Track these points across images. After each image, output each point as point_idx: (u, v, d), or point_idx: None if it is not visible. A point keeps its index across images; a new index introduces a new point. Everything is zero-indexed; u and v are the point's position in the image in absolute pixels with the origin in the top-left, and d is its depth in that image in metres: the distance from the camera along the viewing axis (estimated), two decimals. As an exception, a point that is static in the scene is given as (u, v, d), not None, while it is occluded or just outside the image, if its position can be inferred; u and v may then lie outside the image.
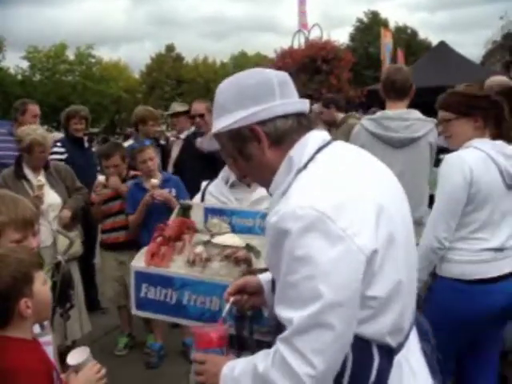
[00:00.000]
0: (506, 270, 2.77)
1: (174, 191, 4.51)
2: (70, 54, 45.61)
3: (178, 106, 6.44)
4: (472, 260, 2.76)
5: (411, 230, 1.62)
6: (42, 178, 4.43)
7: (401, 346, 1.54)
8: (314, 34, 20.73)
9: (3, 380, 1.82)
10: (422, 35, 50.58)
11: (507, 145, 2.83)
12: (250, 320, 2.09)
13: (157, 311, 2.62)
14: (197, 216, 3.02)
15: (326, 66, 18.75)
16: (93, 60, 46.79)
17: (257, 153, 1.59)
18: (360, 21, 50.79)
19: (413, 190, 3.07)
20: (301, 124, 1.59)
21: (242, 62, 56.79)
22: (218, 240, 2.75)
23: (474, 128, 2.85)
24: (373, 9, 54.59)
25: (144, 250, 2.75)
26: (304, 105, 1.63)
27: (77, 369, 1.97)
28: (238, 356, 1.81)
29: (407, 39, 44.66)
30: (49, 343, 2.42)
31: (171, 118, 6.54)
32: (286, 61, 19.04)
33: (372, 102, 11.05)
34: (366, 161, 1.61)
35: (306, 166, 1.52)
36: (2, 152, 5.22)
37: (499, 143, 2.81)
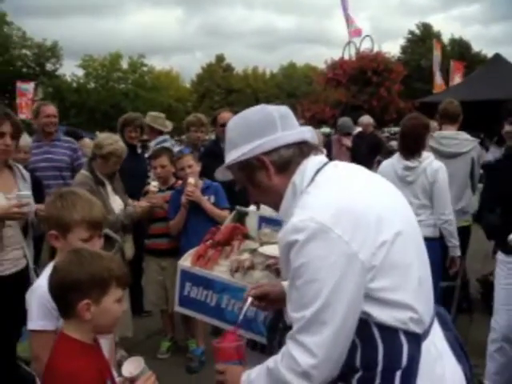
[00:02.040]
0: None
1: (212, 198, 4.53)
2: (124, 63, 46.79)
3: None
4: None
5: (417, 229, 1.79)
6: (192, 179, 4.45)
7: (427, 332, 1.69)
8: (365, 46, 20.61)
9: (50, 379, 1.83)
10: (475, 48, 49.60)
11: (399, 154, 4.43)
12: (281, 332, 2.15)
13: (197, 310, 2.67)
14: (251, 223, 3.07)
15: (377, 78, 18.62)
16: (145, 69, 47.77)
17: (264, 180, 1.80)
18: (412, 33, 50.19)
19: (457, 187, 4.87)
20: (302, 151, 1.79)
21: (290, 72, 56.94)
22: (264, 250, 2.77)
23: None
24: (425, 21, 53.99)
25: (192, 251, 2.79)
26: (304, 134, 1.82)
27: (132, 380, 1.97)
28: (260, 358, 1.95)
29: (461, 52, 43.81)
30: (107, 336, 2.42)
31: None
32: (337, 72, 19.02)
33: (423, 115, 10.86)
34: (359, 174, 1.81)
35: (307, 188, 1.72)
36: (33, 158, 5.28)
37: (398, 154, 4.46)
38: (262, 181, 1.80)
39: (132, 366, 1.99)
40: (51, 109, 5.58)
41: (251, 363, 1.86)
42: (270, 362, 1.68)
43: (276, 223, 2.98)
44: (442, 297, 4.38)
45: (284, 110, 1.85)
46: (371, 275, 1.57)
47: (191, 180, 4.42)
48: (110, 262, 1.97)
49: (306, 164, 1.76)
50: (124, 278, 1.99)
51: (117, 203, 4.53)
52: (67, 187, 3.77)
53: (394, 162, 4.42)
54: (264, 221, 3.06)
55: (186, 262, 2.75)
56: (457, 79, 19.43)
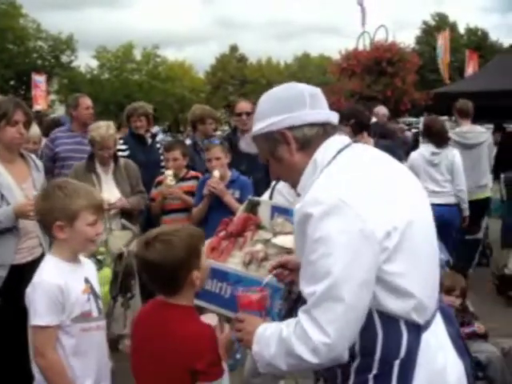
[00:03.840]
0: None
1: (237, 193, 4.44)
2: (137, 54, 46.85)
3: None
4: None
5: (430, 222, 1.80)
6: (217, 173, 4.36)
7: (428, 324, 1.70)
8: (380, 36, 20.43)
9: (190, 345, 1.96)
10: (493, 37, 48.83)
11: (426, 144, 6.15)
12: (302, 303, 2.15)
13: (211, 302, 2.68)
14: (263, 213, 3.07)
15: (391, 69, 18.48)
16: (158, 60, 47.81)
17: (286, 155, 1.82)
18: (426, 23, 49.57)
19: (479, 170, 6.55)
20: (326, 131, 1.80)
21: (305, 63, 56.69)
22: (277, 240, 2.77)
23: None
24: (441, 11, 53.29)
25: (206, 243, 2.80)
26: (331, 116, 1.84)
27: None
28: None
29: (477, 41, 43.27)
30: (103, 327, 2.51)
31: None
32: (351, 62, 18.90)
33: (438, 105, 10.76)
34: (380, 159, 1.82)
35: (328, 165, 1.73)
36: (59, 148, 5.36)
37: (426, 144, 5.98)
38: (284, 155, 1.82)
39: (210, 320, 2.18)
40: (89, 100, 5.68)
41: None
42: (284, 330, 1.68)
43: (289, 213, 2.98)
44: (467, 250, 6.35)
45: (315, 89, 1.87)
46: (385, 257, 1.58)
47: (215, 173, 4.40)
48: (188, 229, 2.14)
49: (329, 142, 1.78)
50: (198, 230, 2.21)
51: (111, 194, 4.44)
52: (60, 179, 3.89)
53: (422, 151, 6.07)
54: (277, 210, 3.06)
55: None
56: (470, 70, 19.20)
